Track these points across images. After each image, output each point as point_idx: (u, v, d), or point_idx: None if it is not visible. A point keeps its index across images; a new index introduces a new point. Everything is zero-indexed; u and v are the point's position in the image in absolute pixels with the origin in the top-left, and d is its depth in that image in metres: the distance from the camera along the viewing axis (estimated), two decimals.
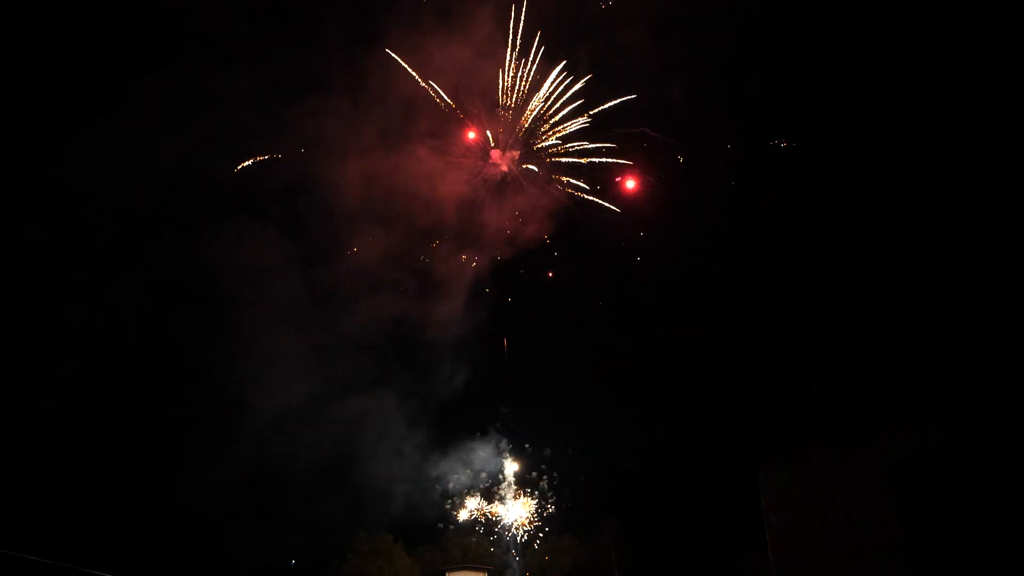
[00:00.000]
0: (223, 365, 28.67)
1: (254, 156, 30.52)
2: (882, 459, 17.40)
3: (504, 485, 29.60)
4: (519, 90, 30.27)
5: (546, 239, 30.86)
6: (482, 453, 29.86)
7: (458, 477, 29.56)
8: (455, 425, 29.94)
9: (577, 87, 29.89)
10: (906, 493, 16.55)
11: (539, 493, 29.96)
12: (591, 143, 30.45)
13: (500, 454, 29.82)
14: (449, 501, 29.60)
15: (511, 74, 30.05)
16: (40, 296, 27.95)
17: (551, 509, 29.55)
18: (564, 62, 29.17)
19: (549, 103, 30.20)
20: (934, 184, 28.91)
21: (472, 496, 29.65)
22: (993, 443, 16.06)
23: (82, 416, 27.54)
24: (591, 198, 30.65)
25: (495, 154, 30.75)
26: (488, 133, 30.72)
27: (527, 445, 30.38)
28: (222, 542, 26.51)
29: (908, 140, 29.54)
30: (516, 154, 31.01)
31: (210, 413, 28.52)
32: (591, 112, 30.31)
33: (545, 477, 29.84)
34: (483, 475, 29.80)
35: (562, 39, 29.75)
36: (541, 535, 29.14)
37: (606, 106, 30.34)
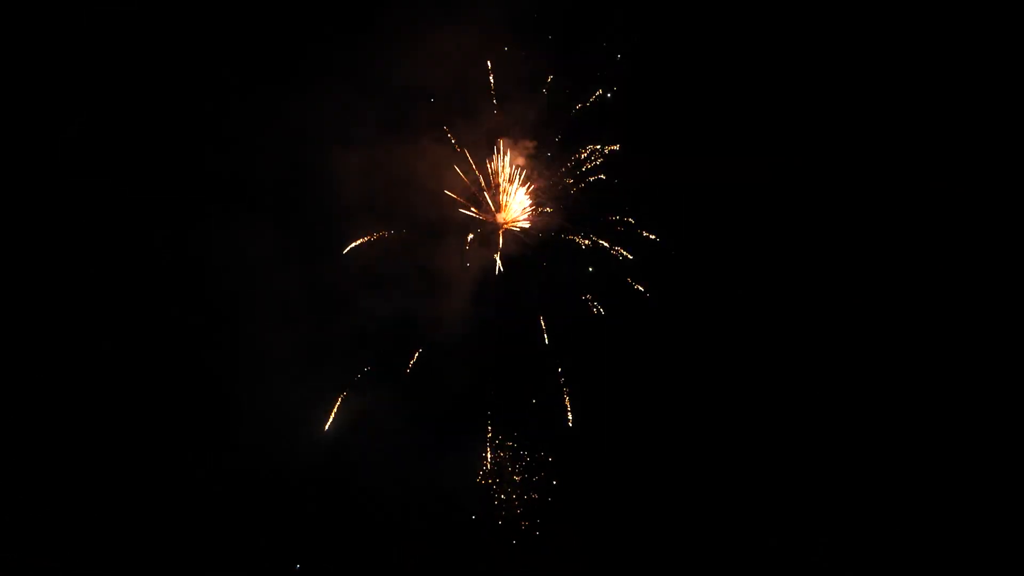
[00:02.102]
0: (218, 363, 28.29)
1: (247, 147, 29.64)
2: None
3: None
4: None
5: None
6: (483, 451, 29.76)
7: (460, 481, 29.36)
8: (455, 425, 29.69)
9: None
10: None
11: None
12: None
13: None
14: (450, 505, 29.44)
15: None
16: (29, 292, 27.26)
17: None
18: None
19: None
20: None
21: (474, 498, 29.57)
22: None
23: (74, 416, 27.13)
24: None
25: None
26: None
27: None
28: (223, 545, 26.38)
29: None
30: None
31: (206, 412, 28.12)
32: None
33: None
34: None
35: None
36: None
37: None
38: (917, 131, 29.78)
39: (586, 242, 29.77)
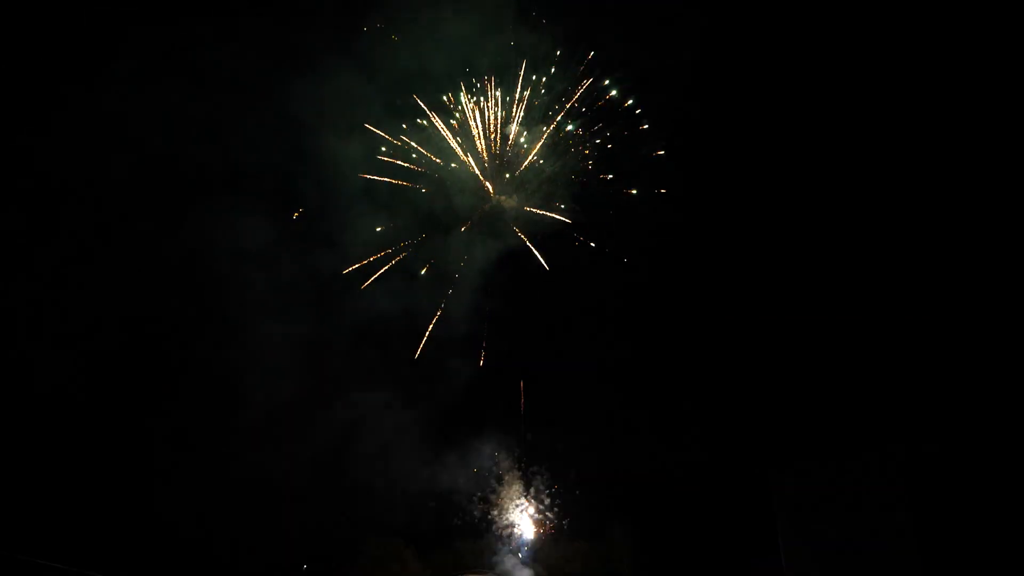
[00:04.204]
0: (216, 359, 27.77)
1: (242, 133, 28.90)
2: (896, 459, 17.48)
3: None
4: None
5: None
6: (486, 450, 29.61)
7: (464, 480, 29.23)
8: (458, 423, 29.51)
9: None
10: (919, 491, 16.65)
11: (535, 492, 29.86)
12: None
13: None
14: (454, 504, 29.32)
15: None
16: (17, 287, 26.43)
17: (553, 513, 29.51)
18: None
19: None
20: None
21: (479, 498, 29.43)
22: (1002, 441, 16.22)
23: (67, 413, 26.44)
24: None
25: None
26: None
27: (529, 435, 30.19)
28: (225, 545, 26.02)
29: None
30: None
31: (203, 409, 27.61)
32: None
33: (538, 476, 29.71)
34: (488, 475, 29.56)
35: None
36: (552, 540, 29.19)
37: None
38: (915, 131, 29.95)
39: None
